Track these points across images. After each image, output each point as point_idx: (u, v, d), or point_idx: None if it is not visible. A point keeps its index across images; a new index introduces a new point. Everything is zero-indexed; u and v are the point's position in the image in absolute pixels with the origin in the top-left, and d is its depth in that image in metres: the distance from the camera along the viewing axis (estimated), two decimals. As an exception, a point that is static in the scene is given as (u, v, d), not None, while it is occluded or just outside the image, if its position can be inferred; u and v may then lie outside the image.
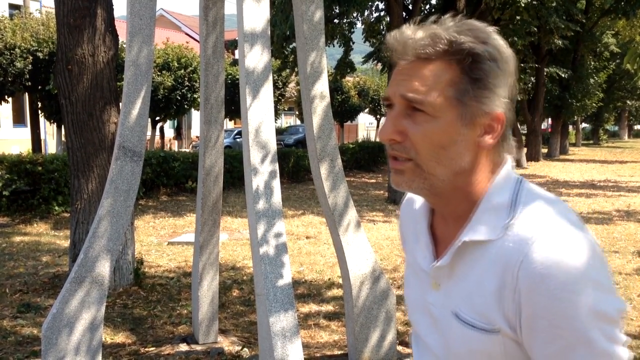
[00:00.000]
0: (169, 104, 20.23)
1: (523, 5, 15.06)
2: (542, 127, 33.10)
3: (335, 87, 30.56)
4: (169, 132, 29.65)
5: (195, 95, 20.61)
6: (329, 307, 5.63)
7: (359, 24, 17.01)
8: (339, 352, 4.46)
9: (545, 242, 0.91)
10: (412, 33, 0.97)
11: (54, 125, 20.38)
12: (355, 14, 16.18)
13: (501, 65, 0.96)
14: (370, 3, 16.01)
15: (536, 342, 0.92)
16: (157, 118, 21.31)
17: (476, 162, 1.00)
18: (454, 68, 0.95)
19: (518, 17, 15.87)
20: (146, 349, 4.49)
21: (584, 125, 53.14)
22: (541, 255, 0.90)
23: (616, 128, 62.75)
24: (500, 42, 0.98)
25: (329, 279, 6.60)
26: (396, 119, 0.98)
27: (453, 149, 0.97)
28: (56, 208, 10.40)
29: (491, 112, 0.97)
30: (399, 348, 4.30)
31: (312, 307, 5.62)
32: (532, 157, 26.52)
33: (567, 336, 0.89)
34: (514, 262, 0.92)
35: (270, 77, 3.43)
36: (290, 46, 15.92)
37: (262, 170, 3.34)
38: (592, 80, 29.56)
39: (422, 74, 0.96)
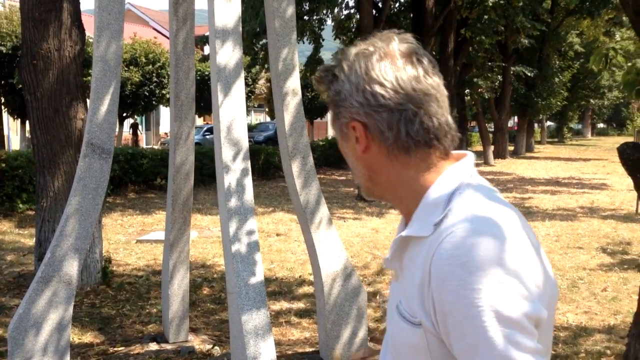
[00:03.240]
0: (136, 100, 19.97)
1: (490, 4, 15.27)
2: (509, 125, 33.59)
3: (305, 84, 30.49)
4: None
5: (164, 92, 20.39)
6: (300, 305, 5.63)
7: (329, 21, 17.03)
8: (311, 349, 4.47)
9: (454, 238, 0.92)
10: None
11: (18, 121, 19.95)
12: (325, 11, 16.20)
13: (341, 83, 1.04)
14: (340, 0, 16.04)
15: (450, 338, 0.93)
16: (125, 114, 21.02)
17: (376, 168, 1.06)
18: (328, 94, 1.09)
19: (486, 16, 16.10)
20: (115, 349, 4.43)
21: (549, 123, 54.10)
22: (447, 252, 0.91)
23: (580, 126, 64.06)
24: (344, 62, 1.05)
25: (300, 276, 6.60)
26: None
27: (349, 161, 1.11)
28: (20, 206, 10.17)
29: (348, 122, 1.05)
30: (370, 344, 4.33)
31: (283, 305, 5.61)
32: (499, 154, 26.92)
33: (470, 335, 0.89)
34: (429, 258, 0.94)
35: (242, 74, 3.41)
36: (260, 43, 15.86)
37: (234, 168, 3.32)
38: (557, 79, 30.11)
39: None
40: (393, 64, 1.02)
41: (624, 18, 20.61)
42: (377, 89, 1.01)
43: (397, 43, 1.04)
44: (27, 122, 19.19)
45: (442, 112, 1.03)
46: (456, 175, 1.03)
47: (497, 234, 0.92)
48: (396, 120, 1.01)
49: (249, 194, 3.34)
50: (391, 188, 1.08)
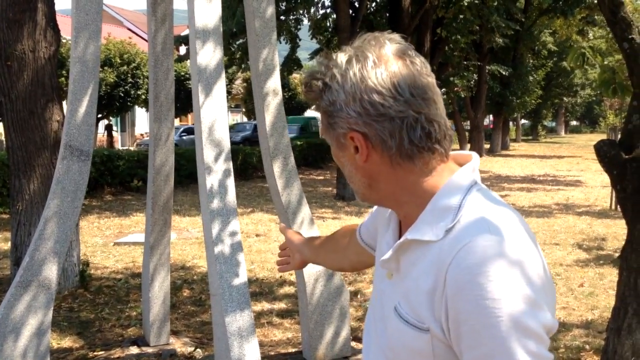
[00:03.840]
0: (111, 101, 19.75)
1: (466, 4, 15.40)
2: (484, 123, 33.94)
3: (282, 84, 30.49)
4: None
5: (139, 92, 20.19)
6: (281, 305, 5.62)
7: (305, 21, 17.01)
8: (294, 350, 4.46)
9: (474, 248, 0.91)
10: (300, 84, 1.08)
11: (-10, 123, 19.59)
12: (301, 11, 16.18)
13: (334, 92, 1.01)
14: (316, 0, 16.04)
15: (461, 346, 0.93)
16: (100, 115, 20.77)
17: (375, 176, 1.04)
18: (320, 104, 1.05)
19: (461, 16, 16.23)
20: (95, 353, 4.38)
21: (523, 121, 54.78)
22: (468, 261, 0.91)
23: (554, 124, 64.96)
24: (335, 69, 1.01)
25: (281, 276, 6.59)
26: (331, 148, 1.11)
27: (346, 170, 1.08)
28: (-6, 209, 10.00)
29: (346, 133, 1.02)
30: (353, 344, 4.34)
31: (265, 306, 5.60)
32: (475, 152, 27.13)
33: (487, 344, 0.89)
34: (445, 265, 0.93)
35: (223, 75, 3.40)
36: (237, 43, 15.79)
37: (216, 169, 3.30)
38: (531, 78, 30.53)
39: None
40: (389, 70, 0.98)
41: (596, 17, 20.94)
42: (376, 97, 0.98)
43: (389, 46, 1.00)
44: (1, 124, 18.95)
45: (440, 114, 1.01)
46: (465, 179, 1.03)
47: (515, 244, 0.93)
48: (398, 128, 0.99)
49: (231, 195, 3.33)
50: (391, 194, 1.06)
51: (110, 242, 8.56)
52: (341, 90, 1.00)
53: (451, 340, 0.94)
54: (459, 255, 0.92)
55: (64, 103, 5.01)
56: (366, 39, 1.02)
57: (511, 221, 0.97)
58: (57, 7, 5.95)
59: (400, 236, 1.11)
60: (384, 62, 0.99)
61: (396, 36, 1.03)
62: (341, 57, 1.01)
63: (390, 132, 0.99)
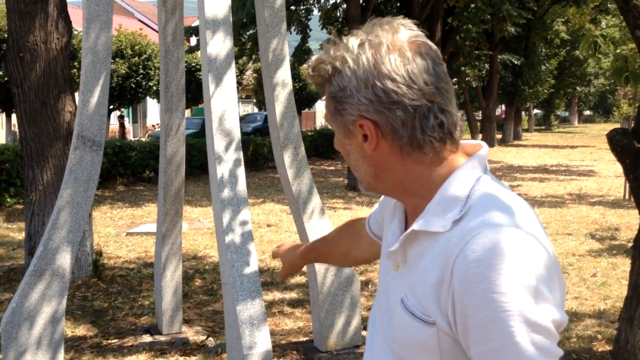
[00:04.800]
0: (123, 92, 19.82)
1: (477, -8, 15.27)
2: (496, 113, 33.74)
3: (293, 75, 30.43)
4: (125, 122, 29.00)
5: (150, 83, 20.24)
6: (292, 295, 5.65)
7: (315, 11, 16.95)
8: (305, 339, 4.49)
9: (482, 240, 0.89)
10: (307, 67, 1.04)
11: (3, 115, 19.74)
12: (312, 1, 16.13)
13: (345, 77, 0.98)
14: (327, -10, 15.98)
15: (468, 340, 0.91)
16: (112, 107, 20.86)
17: (384, 165, 1.01)
18: (328, 89, 1.03)
19: (472, 5, 16.09)
20: (108, 341, 4.43)
21: (536, 111, 54.35)
22: (476, 254, 0.88)
23: (567, 114, 64.41)
24: (346, 54, 0.98)
25: (292, 266, 6.61)
26: (335, 135, 1.08)
27: (352, 158, 1.05)
28: (8, 200, 10.10)
29: (356, 120, 0.99)
30: (364, 333, 4.35)
31: (276, 295, 5.63)
32: (487, 142, 26.21)
33: (495, 339, 0.87)
34: (452, 258, 0.91)
35: (233, 64, 3.40)
36: (247, 33, 15.78)
37: (227, 159, 3.32)
38: (543, 67, 30.26)
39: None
40: (403, 57, 0.95)
41: (609, 5, 20.71)
42: (389, 84, 0.95)
43: (403, 32, 0.98)
44: (13, 115, 19.03)
45: (452, 104, 0.99)
46: (473, 170, 1.01)
47: (525, 237, 0.90)
48: (410, 117, 0.96)
49: (241, 185, 3.34)
50: (399, 184, 1.03)
51: (123, 232, 8.63)
52: (353, 76, 0.97)
53: (458, 334, 0.92)
54: (466, 247, 0.90)
55: (76, 94, 5.05)
56: (378, 23, 0.99)
57: (520, 213, 0.94)
58: (68, -1, 5.98)
59: (406, 227, 1.09)
60: (397, 48, 0.96)
61: (409, 22, 1.00)
62: (353, 41, 0.98)
63: (403, 121, 0.96)
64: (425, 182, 1.01)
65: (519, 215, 0.93)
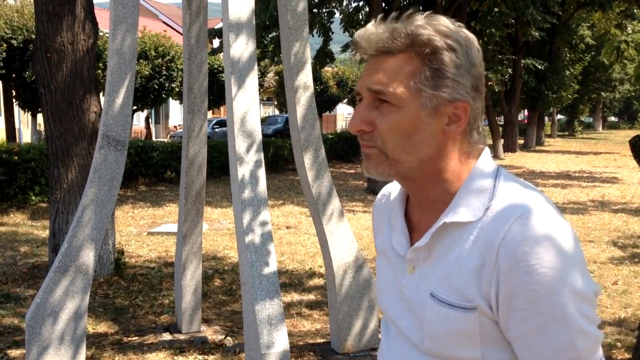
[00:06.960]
0: (146, 93, 20.04)
1: (501, -4, 15.18)
2: (519, 118, 33.44)
3: (314, 77, 30.47)
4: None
5: (173, 85, 20.44)
6: (310, 297, 5.67)
7: (337, 14, 16.98)
8: (322, 341, 4.51)
9: (526, 221, 0.94)
10: (374, 29, 1.01)
11: (29, 114, 20.07)
12: (334, 4, 16.17)
13: (461, 56, 0.99)
14: (349, -7, 16.01)
15: (512, 320, 0.95)
16: (135, 108, 21.10)
17: (444, 149, 1.03)
18: (414, 60, 0.99)
19: (496, 9, 16.01)
20: (129, 339, 4.49)
21: (559, 116, 53.78)
22: (523, 234, 0.93)
23: (591, 119, 63.63)
24: (462, 35, 1.01)
25: (310, 268, 6.64)
26: (364, 110, 1.03)
27: (418, 137, 1.00)
28: (33, 198, 10.27)
29: (454, 101, 1.00)
30: (381, 336, 4.36)
31: (294, 297, 5.66)
32: (509, 148, 26.79)
33: (545, 312, 0.92)
34: (495, 241, 0.95)
35: (256, 67, 3.44)
36: (270, 36, 15.86)
37: (248, 160, 3.36)
38: (567, 72, 29.90)
39: (385, 67, 1.00)
40: (479, 52, 1.02)
41: (635, 10, 20.43)
42: (481, 75, 1.02)
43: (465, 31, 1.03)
44: (38, 115, 19.28)
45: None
46: (489, 165, 1.06)
47: (558, 216, 0.97)
48: (481, 107, 1.04)
49: (262, 185, 3.38)
50: (439, 171, 1.04)
51: (144, 231, 8.74)
52: (465, 60, 1.00)
53: (499, 316, 0.96)
54: (512, 228, 0.94)
55: (101, 95, 5.14)
56: (436, 18, 1.01)
57: (542, 196, 1.00)
58: (95, 1, 6.08)
59: (409, 227, 1.11)
60: (473, 45, 1.02)
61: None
62: (449, 26, 1.01)
63: (480, 111, 1.04)
64: (458, 173, 1.05)
65: (543, 198, 1.00)
